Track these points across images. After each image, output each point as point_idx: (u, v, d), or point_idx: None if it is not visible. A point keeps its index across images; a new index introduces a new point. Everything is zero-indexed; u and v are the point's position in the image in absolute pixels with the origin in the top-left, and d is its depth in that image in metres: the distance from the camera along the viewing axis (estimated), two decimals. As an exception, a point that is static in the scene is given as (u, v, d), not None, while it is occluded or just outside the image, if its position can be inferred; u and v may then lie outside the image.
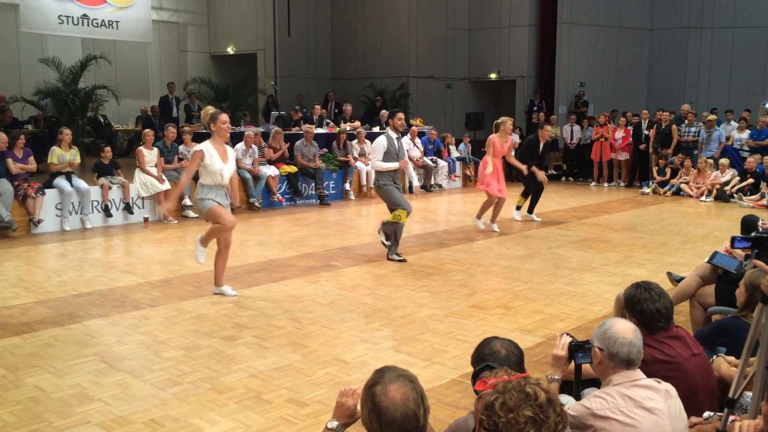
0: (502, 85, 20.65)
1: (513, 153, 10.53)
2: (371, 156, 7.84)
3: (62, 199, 9.80)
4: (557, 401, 1.94)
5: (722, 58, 19.04)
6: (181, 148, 11.38)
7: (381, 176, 7.60)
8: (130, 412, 3.93)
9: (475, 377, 2.44)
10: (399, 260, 7.73)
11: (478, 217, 9.87)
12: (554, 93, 19.00)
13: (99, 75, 16.08)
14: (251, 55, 20.69)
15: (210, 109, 6.27)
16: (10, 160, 9.45)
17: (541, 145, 10.52)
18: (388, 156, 7.50)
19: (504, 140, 9.69)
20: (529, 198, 10.76)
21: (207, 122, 6.14)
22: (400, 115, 7.67)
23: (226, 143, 6.23)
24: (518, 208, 10.81)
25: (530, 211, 10.80)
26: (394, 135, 7.57)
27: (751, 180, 12.89)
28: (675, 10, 19.20)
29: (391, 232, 7.71)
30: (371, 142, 7.95)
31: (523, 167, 10.21)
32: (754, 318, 2.75)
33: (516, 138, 16.93)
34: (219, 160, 6.04)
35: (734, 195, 12.84)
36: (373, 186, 8.06)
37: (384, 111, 16.07)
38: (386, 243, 7.70)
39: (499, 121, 9.79)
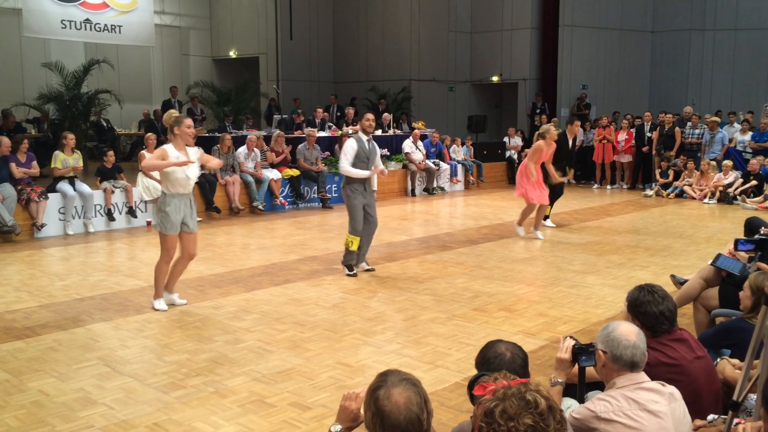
0: (504, 87, 20.66)
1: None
2: (341, 158, 7.23)
3: (65, 203, 9.82)
4: (557, 408, 1.93)
5: (724, 60, 19.03)
6: (184, 151, 11.38)
7: (351, 182, 7.11)
8: (134, 416, 3.93)
9: (471, 386, 2.43)
10: (367, 269, 7.42)
11: (519, 224, 9.52)
12: (556, 96, 19.00)
13: (102, 79, 16.11)
14: (253, 59, 20.73)
15: (173, 112, 6.05)
16: (13, 165, 9.48)
17: (570, 141, 10.25)
18: (358, 159, 7.05)
19: (549, 147, 9.40)
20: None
21: (170, 125, 5.85)
22: (369, 115, 7.22)
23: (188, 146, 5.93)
24: (546, 217, 10.35)
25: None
26: (364, 137, 7.16)
27: (754, 182, 12.88)
28: (677, 13, 19.20)
29: (351, 260, 7.23)
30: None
31: (556, 175, 9.83)
32: (758, 320, 2.74)
33: (518, 141, 16.99)
34: (183, 167, 5.75)
35: (737, 197, 12.82)
36: (341, 188, 7.48)
37: (386, 114, 16.10)
38: (351, 273, 7.18)
39: (542, 130, 9.41)
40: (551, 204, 10.42)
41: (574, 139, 10.41)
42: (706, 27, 19.01)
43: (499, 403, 1.90)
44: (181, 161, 5.70)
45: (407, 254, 8.37)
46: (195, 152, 5.98)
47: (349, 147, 7.10)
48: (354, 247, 7.11)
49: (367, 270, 7.43)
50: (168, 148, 5.80)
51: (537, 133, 9.56)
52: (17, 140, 9.79)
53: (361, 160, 7.06)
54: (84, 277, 7.29)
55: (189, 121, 5.87)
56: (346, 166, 7.08)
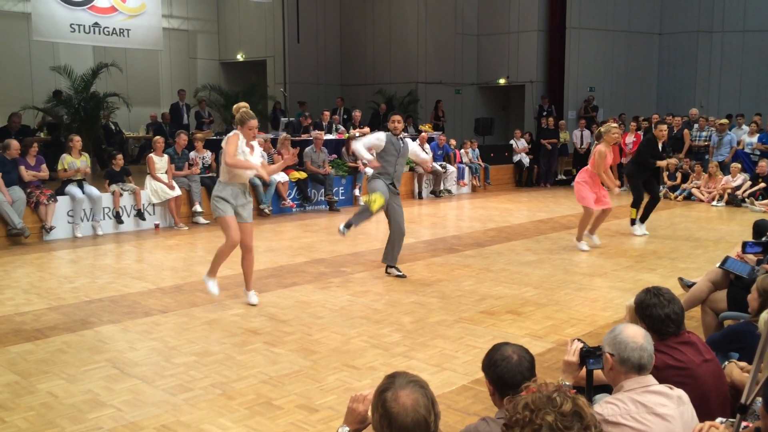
0: (511, 90, 20.64)
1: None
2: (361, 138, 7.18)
3: (74, 206, 9.87)
4: (589, 417, 1.89)
5: (732, 61, 18.96)
6: (192, 154, 11.45)
7: (378, 176, 7.07)
8: (142, 417, 3.95)
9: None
10: (397, 275, 7.27)
11: (591, 232, 8.91)
12: (563, 98, 18.97)
13: (110, 82, 16.20)
14: (261, 62, 20.80)
15: (243, 106, 6.08)
16: (22, 168, 9.54)
17: (660, 145, 9.56)
18: (385, 153, 7.05)
19: (610, 150, 8.79)
20: (642, 208, 9.84)
21: (237, 119, 6.02)
22: (394, 117, 7.19)
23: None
24: (633, 221, 9.82)
25: (642, 220, 9.86)
26: (393, 137, 7.15)
27: (762, 184, 12.82)
28: (685, 14, 19.15)
29: (360, 220, 7.04)
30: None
31: (613, 185, 8.96)
32: (761, 321, 2.74)
33: (524, 143, 16.96)
34: (248, 154, 6.00)
35: (746, 199, 12.77)
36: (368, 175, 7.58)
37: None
38: (344, 229, 7.06)
39: (603, 129, 8.73)
40: (647, 211, 9.81)
41: (664, 144, 9.73)
42: (713, 29, 18.94)
43: (526, 397, 1.95)
44: (252, 166, 6.04)
45: (414, 257, 8.38)
46: (258, 149, 6.20)
47: (375, 135, 7.22)
48: (374, 207, 6.74)
49: (398, 276, 7.27)
50: (240, 139, 5.96)
51: (597, 132, 8.92)
52: (27, 143, 9.85)
53: (390, 153, 7.08)
54: (92, 280, 7.32)
55: (252, 123, 5.99)
56: (358, 143, 7.15)
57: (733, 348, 3.75)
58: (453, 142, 15.87)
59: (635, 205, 9.81)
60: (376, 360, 4.86)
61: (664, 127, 9.88)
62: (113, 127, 16.60)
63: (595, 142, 8.88)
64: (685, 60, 19.32)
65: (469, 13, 20.11)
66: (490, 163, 16.34)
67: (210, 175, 11.48)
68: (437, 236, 9.99)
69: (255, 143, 6.19)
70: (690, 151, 14.64)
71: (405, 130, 15.87)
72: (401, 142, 7.21)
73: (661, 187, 14.33)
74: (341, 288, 6.91)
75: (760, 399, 2.74)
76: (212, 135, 14.59)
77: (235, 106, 6.19)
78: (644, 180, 9.77)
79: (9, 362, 4.84)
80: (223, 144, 6.05)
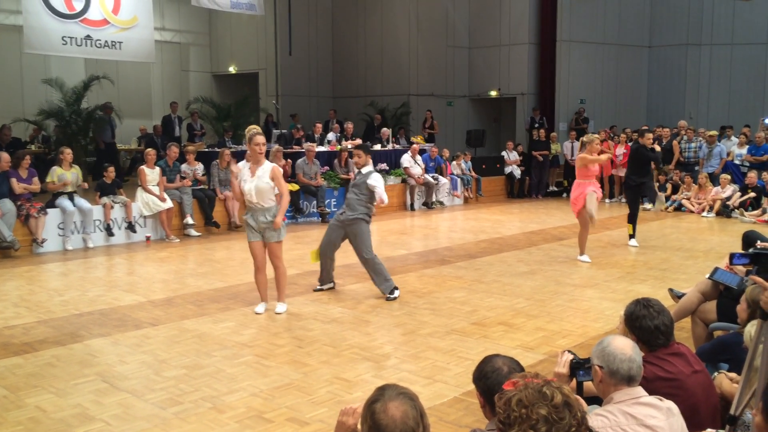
0: (502, 102, 20.74)
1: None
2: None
3: (64, 218, 9.82)
4: (577, 406, 2.00)
5: (721, 74, 19.13)
6: (183, 167, 11.42)
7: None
8: (131, 432, 3.92)
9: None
10: (318, 289, 7.31)
11: (582, 253, 8.92)
12: (554, 110, 19.07)
13: (102, 95, 16.18)
14: (253, 75, 20.83)
15: (253, 128, 6.33)
16: (14, 180, 9.49)
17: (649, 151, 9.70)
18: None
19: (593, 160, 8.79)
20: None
21: (246, 138, 6.29)
22: (354, 151, 7.20)
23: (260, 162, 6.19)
24: (632, 236, 9.92)
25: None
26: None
27: (752, 195, 12.90)
28: (674, 28, 19.33)
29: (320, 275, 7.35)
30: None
31: (606, 157, 9.38)
32: (753, 334, 2.75)
33: (516, 155, 17.03)
34: (249, 179, 6.15)
35: (736, 210, 12.84)
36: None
37: (385, 129, 16.16)
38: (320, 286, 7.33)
39: (586, 139, 8.92)
40: (632, 222, 9.95)
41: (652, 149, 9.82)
42: (702, 42, 19.12)
43: (517, 393, 2.02)
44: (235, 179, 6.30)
45: (406, 268, 8.37)
46: (265, 169, 6.18)
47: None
48: (312, 260, 7.44)
49: (388, 298, 6.96)
50: (241, 163, 6.31)
51: (581, 141, 9.18)
52: (19, 156, 9.81)
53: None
54: (83, 293, 7.28)
55: (257, 139, 6.13)
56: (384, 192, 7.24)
57: (722, 359, 3.77)
58: (446, 152, 15.92)
59: (631, 220, 9.95)
60: (367, 372, 4.84)
61: (650, 135, 10.06)
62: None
63: (578, 151, 9.12)
64: (675, 72, 19.49)
65: (460, 26, 20.23)
66: (482, 174, 16.39)
67: (201, 187, 11.46)
68: (429, 248, 9.99)
69: (264, 166, 6.16)
70: (679, 162, 14.74)
71: (397, 141, 15.97)
72: (356, 177, 7.12)
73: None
74: (333, 300, 6.90)
75: (749, 410, 2.75)
76: (204, 147, 14.59)
77: (247, 129, 6.40)
78: (640, 189, 9.89)
79: (-3, 376, 4.80)
80: None
